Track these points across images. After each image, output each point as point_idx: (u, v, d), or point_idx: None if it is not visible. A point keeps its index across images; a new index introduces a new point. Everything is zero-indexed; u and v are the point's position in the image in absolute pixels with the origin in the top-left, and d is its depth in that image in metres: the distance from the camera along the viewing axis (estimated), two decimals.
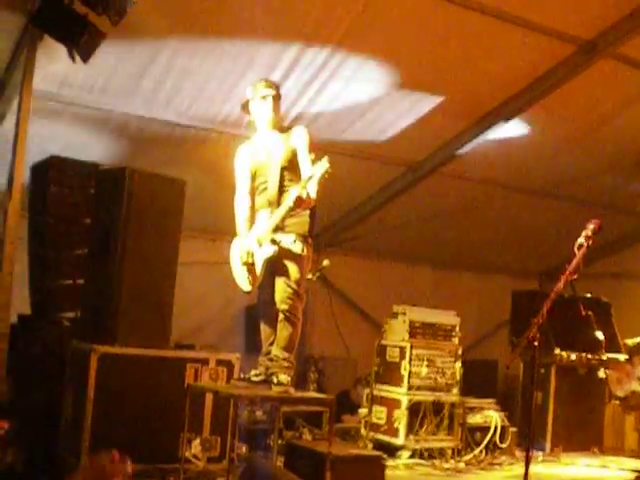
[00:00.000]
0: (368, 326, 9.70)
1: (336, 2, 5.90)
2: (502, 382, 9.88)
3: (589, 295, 8.83)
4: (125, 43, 5.75)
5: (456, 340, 7.54)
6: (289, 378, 4.98)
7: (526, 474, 3.95)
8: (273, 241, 4.92)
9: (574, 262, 4.09)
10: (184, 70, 6.28)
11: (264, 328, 5.19)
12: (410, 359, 7.13)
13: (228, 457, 5.64)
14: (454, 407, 7.23)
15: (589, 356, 8.42)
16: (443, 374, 7.31)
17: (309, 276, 5.63)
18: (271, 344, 5.09)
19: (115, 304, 5.64)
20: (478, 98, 7.26)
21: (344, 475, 4.94)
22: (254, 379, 5.07)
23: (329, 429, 5.34)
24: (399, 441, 6.95)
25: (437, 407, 7.15)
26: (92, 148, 6.92)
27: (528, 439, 4.15)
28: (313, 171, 4.72)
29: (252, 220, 5.16)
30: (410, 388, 7.07)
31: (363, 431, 7.33)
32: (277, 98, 5.19)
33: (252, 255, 5.01)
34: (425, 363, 7.21)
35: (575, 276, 4.10)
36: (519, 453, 7.27)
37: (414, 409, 7.03)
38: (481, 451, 7.22)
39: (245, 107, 5.26)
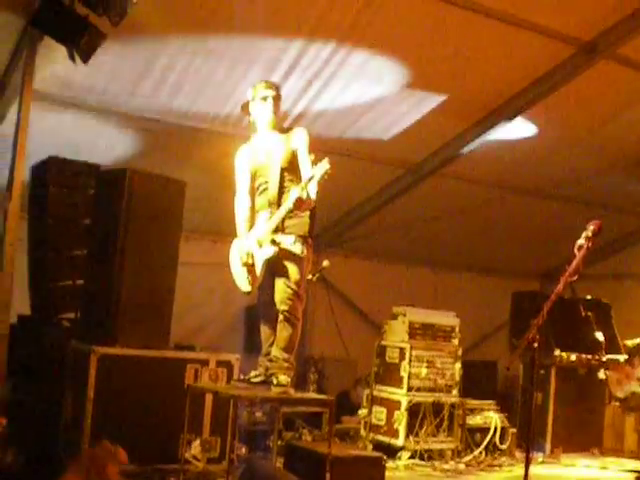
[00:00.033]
0: (368, 327, 9.69)
1: None
2: (502, 383, 9.88)
3: (589, 296, 8.84)
4: (125, 44, 5.75)
5: (456, 341, 7.54)
6: (289, 379, 4.97)
7: (526, 475, 3.94)
8: (273, 242, 4.92)
9: (574, 263, 4.09)
10: (184, 70, 6.27)
11: (264, 329, 5.19)
12: (410, 360, 7.13)
13: (228, 458, 5.64)
14: (454, 408, 7.23)
15: (589, 357, 8.42)
16: (443, 375, 7.31)
17: (309, 277, 5.63)
18: (271, 345, 5.09)
19: (115, 305, 5.64)
20: (479, 99, 7.26)
21: (344, 476, 4.94)
22: (254, 380, 5.07)
23: (329, 430, 5.34)
24: (399, 442, 6.95)
25: (437, 408, 7.14)
26: (92, 149, 6.91)
27: (528, 440, 4.14)
28: (313, 172, 4.72)
29: (252, 221, 5.16)
30: (410, 389, 7.07)
31: (363, 432, 7.33)
32: (277, 99, 5.19)
33: (252, 256, 5.01)
34: (425, 364, 7.21)
35: (575, 277, 4.10)
36: (519, 454, 7.27)
37: (414, 410, 7.02)
38: (481, 452, 7.22)
39: (245, 108, 5.26)
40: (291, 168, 5.04)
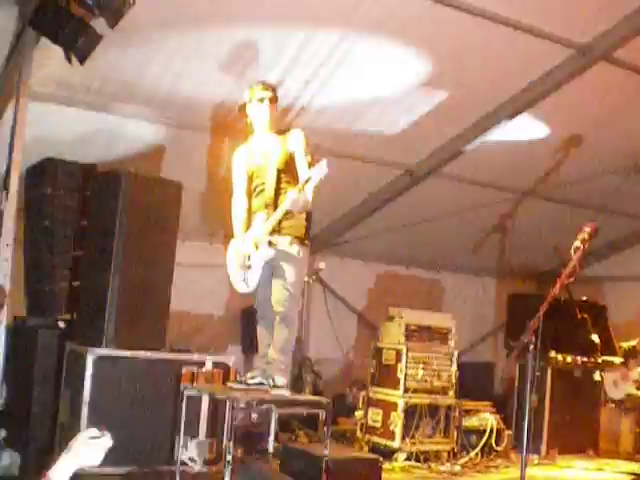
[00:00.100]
0: (364, 328, 9.70)
1: None
2: (498, 385, 9.90)
3: (585, 298, 8.85)
4: (122, 44, 5.74)
5: (452, 343, 7.54)
6: (285, 380, 4.98)
7: (522, 477, 3.95)
8: (270, 243, 4.92)
9: (570, 265, 4.10)
10: (181, 71, 6.27)
11: (260, 330, 5.19)
12: (406, 362, 7.14)
13: (224, 460, 5.63)
14: (450, 410, 7.24)
15: (585, 359, 8.44)
16: (439, 377, 7.31)
17: (305, 279, 5.63)
18: (267, 346, 5.09)
19: (111, 306, 5.63)
20: (475, 101, 7.27)
21: (340, 478, 4.95)
22: (250, 381, 5.07)
23: (325, 432, 5.34)
24: (395, 444, 6.95)
25: (433, 410, 7.15)
26: (88, 150, 6.90)
27: (524, 442, 4.14)
28: (310, 174, 4.72)
29: (249, 222, 5.16)
30: (406, 391, 7.08)
31: (359, 434, 7.34)
32: (274, 100, 5.20)
33: (248, 257, 5.02)
34: (421, 366, 7.22)
35: (571, 279, 4.11)
36: (515, 456, 7.29)
37: (410, 412, 7.03)
38: (477, 454, 7.23)
39: (242, 109, 5.26)
40: (288, 170, 5.04)
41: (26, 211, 6.57)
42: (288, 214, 4.91)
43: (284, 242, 4.95)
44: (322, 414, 5.02)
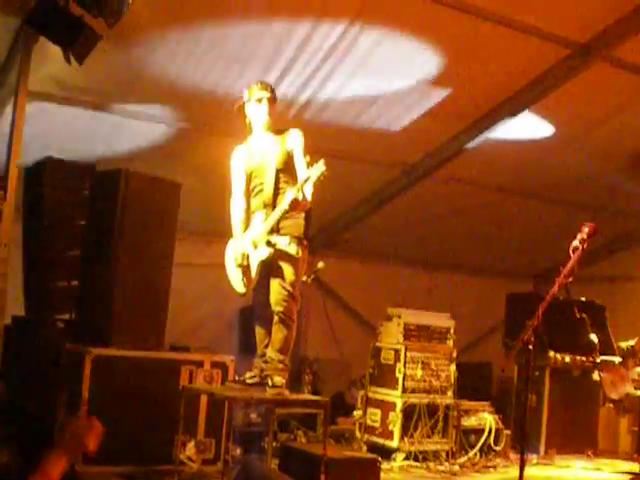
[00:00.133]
0: (363, 328, 9.69)
1: None
2: (496, 385, 9.89)
3: (583, 298, 8.84)
4: (121, 44, 5.74)
5: (451, 342, 7.54)
6: (284, 380, 4.98)
7: (521, 477, 3.95)
8: (268, 243, 4.93)
9: (569, 265, 4.10)
10: (180, 70, 6.27)
11: (259, 330, 5.19)
12: (405, 361, 7.13)
13: (223, 459, 5.64)
14: (449, 409, 7.24)
15: (583, 359, 8.42)
16: (438, 376, 7.31)
17: (304, 278, 5.63)
18: (266, 346, 5.09)
19: (110, 306, 5.64)
20: (473, 101, 7.27)
21: (339, 478, 4.95)
22: (249, 381, 5.07)
23: (324, 431, 5.34)
24: (394, 443, 6.95)
25: (432, 409, 7.14)
26: (87, 149, 6.90)
27: (522, 442, 4.14)
28: (309, 173, 4.73)
29: (247, 222, 5.17)
30: (405, 390, 7.07)
31: (358, 433, 7.34)
32: (272, 100, 5.20)
33: (247, 257, 5.02)
34: (420, 365, 7.21)
35: (570, 279, 4.11)
36: (513, 456, 7.28)
37: (409, 411, 7.03)
38: (475, 454, 7.22)
39: (240, 109, 5.26)
40: (286, 169, 5.05)
41: (25, 210, 6.56)
42: (287, 214, 4.91)
43: (283, 242, 4.95)
44: (321, 414, 5.03)
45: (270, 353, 5.00)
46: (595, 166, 8.37)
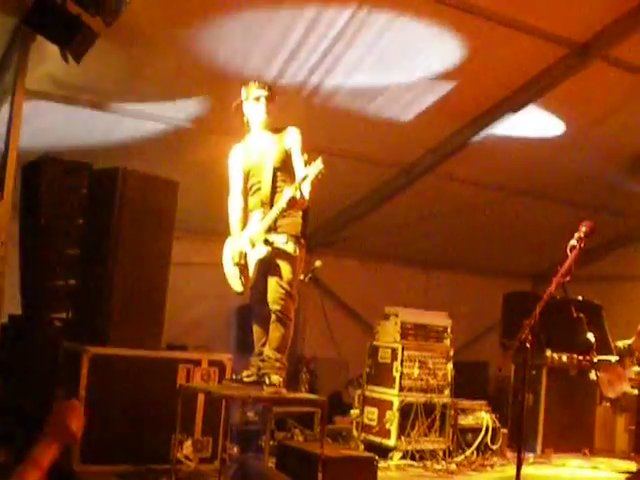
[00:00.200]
0: (360, 327, 9.70)
1: None
2: (493, 384, 9.89)
3: (581, 297, 8.85)
4: (118, 42, 5.73)
5: (448, 341, 7.55)
6: (281, 379, 4.97)
7: (518, 475, 3.95)
8: (266, 241, 4.92)
9: (566, 264, 4.10)
10: (177, 70, 6.26)
11: (256, 329, 5.19)
12: (402, 360, 7.14)
13: (220, 458, 5.63)
14: (446, 408, 7.24)
15: (580, 358, 8.43)
16: (435, 375, 7.32)
17: (301, 277, 5.63)
18: (263, 345, 5.09)
19: (107, 305, 5.64)
20: (471, 100, 7.27)
21: (336, 476, 4.94)
22: (246, 380, 5.07)
23: (321, 430, 5.35)
24: (391, 442, 6.96)
25: (429, 408, 7.15)
26: (85, 148, 6.89)
27: (519, 440, 4.14)
28: (307, 172, 4.72)
29: (245, 220, 5.17)
30: (402, 389, 7.08)
31: (355, 432, 7.34)
32: (270, 99, 5.19)
33: (244, 255, 5.02)
34: (417, 364, 7.22)
35: (567, 278, 4.11)
36: (510, 454, 7.29)
37: (406, 410, 7.03)
38: (472, 452, 7.24)
39: (238, 108, 5.26)
40: (284, 168, 5.04)
41: (22, 209, 6.55)
42: (284, 212, 4.91)
43: (280, 240, 4.94)
44: (318, 412, 5.03)
45: (267, 352, 5.00)
46: (595, 165, 8.38)
